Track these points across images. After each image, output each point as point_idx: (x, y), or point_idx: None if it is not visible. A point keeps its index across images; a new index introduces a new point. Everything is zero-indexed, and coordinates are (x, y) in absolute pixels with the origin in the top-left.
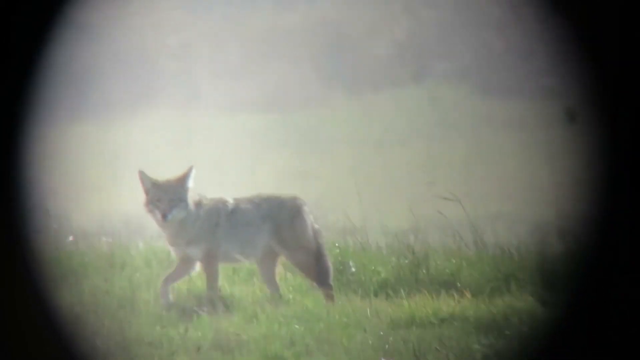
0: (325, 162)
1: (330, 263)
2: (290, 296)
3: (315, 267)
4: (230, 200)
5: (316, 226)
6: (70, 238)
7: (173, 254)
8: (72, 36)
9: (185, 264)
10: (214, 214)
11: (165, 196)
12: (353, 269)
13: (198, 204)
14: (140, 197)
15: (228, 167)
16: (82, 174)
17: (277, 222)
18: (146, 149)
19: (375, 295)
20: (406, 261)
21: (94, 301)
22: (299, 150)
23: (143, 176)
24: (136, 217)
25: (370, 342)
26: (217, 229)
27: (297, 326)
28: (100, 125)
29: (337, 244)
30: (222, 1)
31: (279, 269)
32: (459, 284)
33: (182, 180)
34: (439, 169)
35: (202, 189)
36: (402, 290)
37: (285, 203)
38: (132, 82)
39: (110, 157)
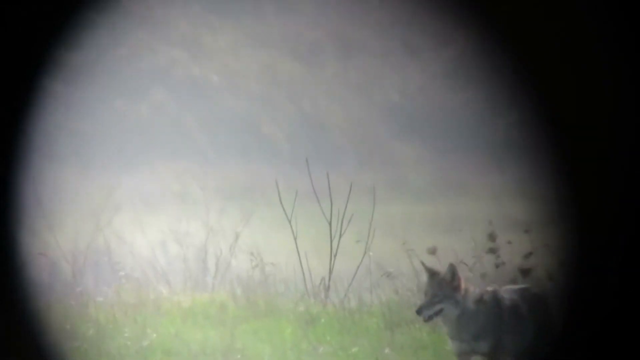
0: None
1: None
2: None
3: None
4: (505, 295)
5: None
6: None
7: (452, 347)
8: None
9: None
10: (495, 307)
11: (430, 290)
12: None
13: (478, 301)
14: None
15: None
16: None
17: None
18: None
19: None
20: None
21: None
22: None
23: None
24: None
25: None
26: (502, 323)
27: None
28: None
29: None
30: None
31: None
32: None
33: (447, 277)
34: None
35: None
36: None
37: (546, 298)
38: None
39: None
